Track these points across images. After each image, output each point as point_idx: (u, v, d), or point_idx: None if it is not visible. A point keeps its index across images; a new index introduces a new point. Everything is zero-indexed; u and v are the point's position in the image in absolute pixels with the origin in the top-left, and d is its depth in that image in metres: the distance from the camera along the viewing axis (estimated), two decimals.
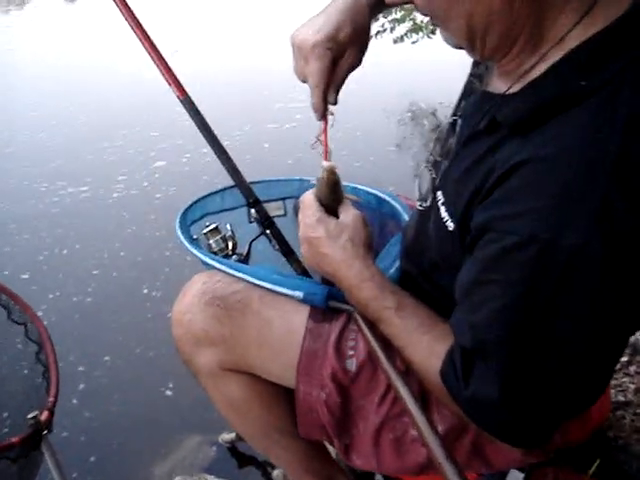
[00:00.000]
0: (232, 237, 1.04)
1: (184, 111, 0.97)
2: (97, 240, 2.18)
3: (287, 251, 0.97)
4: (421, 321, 0.67)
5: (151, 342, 1.68)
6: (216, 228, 1.02)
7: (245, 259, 1.02)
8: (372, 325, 0.71)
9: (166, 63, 0.94)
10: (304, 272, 0.95)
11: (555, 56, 0.56)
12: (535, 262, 0.52)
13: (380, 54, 4.14)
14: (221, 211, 1.09)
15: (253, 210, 0.99)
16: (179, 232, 0.97)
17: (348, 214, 0.73)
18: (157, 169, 2.75)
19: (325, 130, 0.76)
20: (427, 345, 0.65)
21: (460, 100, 0.74)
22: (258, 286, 0.80)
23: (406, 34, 3.89)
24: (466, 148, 0.65)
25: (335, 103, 0.76)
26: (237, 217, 1.09)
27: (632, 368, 1.19)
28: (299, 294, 0.77)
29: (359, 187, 1.11)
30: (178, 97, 0.93)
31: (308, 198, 0.75)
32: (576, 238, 0.50)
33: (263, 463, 1.32)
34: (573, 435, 0.76)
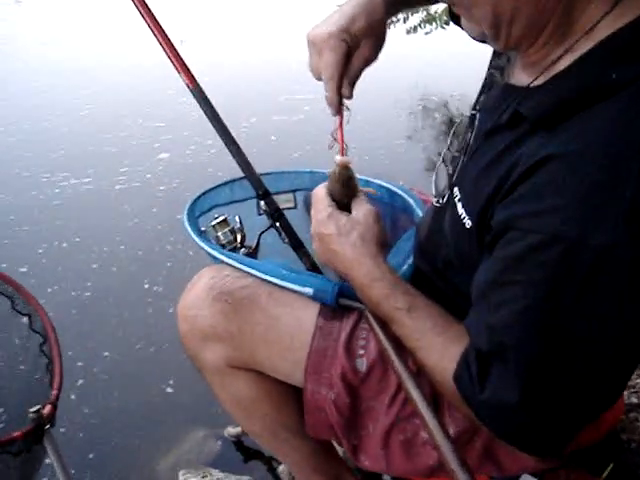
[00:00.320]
0: (241, 229, 1.05)
1: (191, 102, 0.96)
2: (98, 233, 2.20)
3: (296, 244, 0.98)
4: (434, 322, 0.66)
5: (152, 338, 1.70)
6: (225, 220, 1.03)
7: (254, 252, 1.03)
8: (384, 324, 0.71)
9: (176, 51, 0.94)
10: (313, 266, 0.96)
11: (583, 47, 0.56)
12: (560, 262, 0.52)
13: (392, 45, 4.12)
14: (230, 203, 1.10)
15: (263, 202, 0.99)
16: (187, 224, 0.97)
17: (360, 210, 0.74)
18: (161, 161, 2.77)
19: (341, 126, 0.75)
20: (440, 347, 0.65)
21: (480, 94, 0.74)
22: (267, 281, 0.81)
23: (420, 25, 3.88)
24: (486, 143, 0.64)
25: (350, 97, 0.76)
26: (246, 209, 1.09)
27: None
28: (309, 291, 0.78)
29: (371, 180, 1.11)
30: (188, 86, 0.94)
31: (320, 192, 0.75)
32: (603, 239, 0.50)
33: (269, 458, 1.33)
34: (586, 437, 0.76)
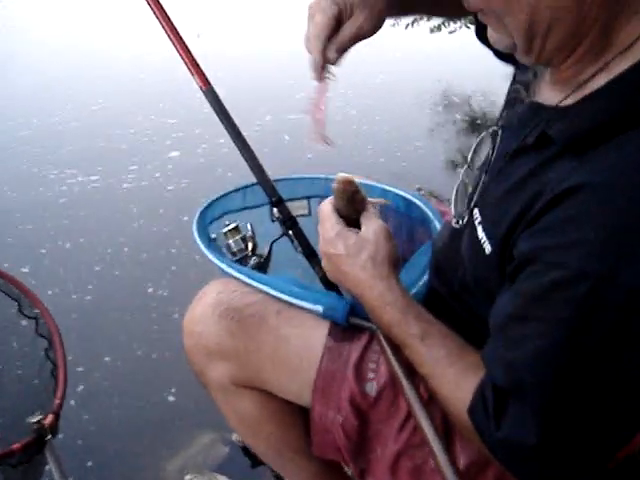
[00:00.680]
0: (252, 237, 1.05)
1: (205, 98, 0.96)
2: (102, 234, 2.21)
3: (309, 253, 0.97)
4: (448, 351, 0.66)
5: (154, 344, 1.70)
6: (236, 228, 1.04)
7: (265, 261, 1.03)
8: (396, 348, 0.71)
9: (189, 52, 0.94)
10: (326, 276, 0.95)
11: (619, 67, 0.55)
12: (587, 300, 0.50)
13: (414, 43, 4.15)
14: (242, 209, 1.10)
15: (276, 209, 0.99)
16: (196, 233, 0.98)
17: (370, 227, 0.73)
18: (171, 159, 2.79)
19: (321, 95, 0.73)
20: (454, 378, 0.64)
21: (503, 110, 0.73)
22: (276, 298, 0.81)
23: (443, 23, 3.87)
24: (510, 164, 0.63)
25: (334, 62, 0.75)
26: (259, 215, 1.10)
27: None
28: (319, 308, 0.78)
29: (388, 189, 1.10)
30: (201, 88, 0.94)
31: (326, 209, 0.75)
32: (635, 278, 0.49)
33: None
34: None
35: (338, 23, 0.74)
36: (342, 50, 0.75)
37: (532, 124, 0.61)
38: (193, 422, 1.45)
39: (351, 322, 0.77)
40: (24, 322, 1.12)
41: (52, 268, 2.03)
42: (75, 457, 1.37)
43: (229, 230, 1.03)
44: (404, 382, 0.69)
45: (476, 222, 0.66)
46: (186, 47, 0.95)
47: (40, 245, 2.14)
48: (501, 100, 0.77)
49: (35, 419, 0.89)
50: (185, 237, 2.14)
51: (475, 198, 0.70)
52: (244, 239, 1.03)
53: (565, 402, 0.54)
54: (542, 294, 0.53)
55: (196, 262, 2.03)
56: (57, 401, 0.95)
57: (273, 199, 0.98)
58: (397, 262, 0.73)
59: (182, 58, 0.95)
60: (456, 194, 0.75)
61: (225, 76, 3.87)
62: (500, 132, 0.69)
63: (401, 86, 3.68)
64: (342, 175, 0.73)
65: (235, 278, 0.85)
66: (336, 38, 0.74)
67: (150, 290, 1.93)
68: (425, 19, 3.84)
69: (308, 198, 1.13)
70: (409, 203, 1.09)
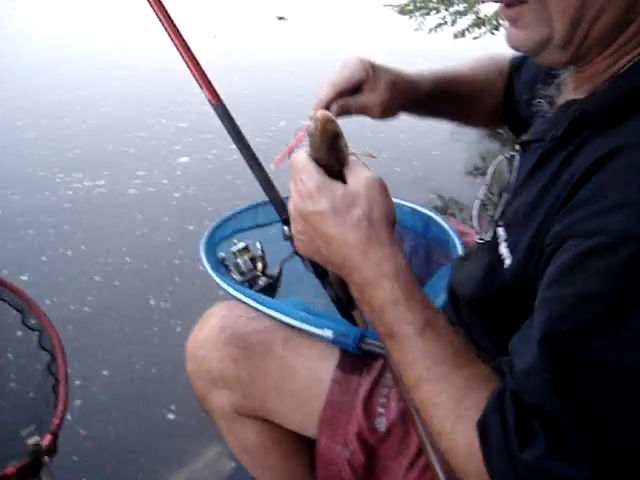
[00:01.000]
0: (262, 257, 1.05)
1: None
2: (104, 242, 2.22)
3: (321, 272, 0.95)
4: (455, 351, 0.55)
5: (154, 358, 1.70)
6: (246, 247, 1.04)
7: (276, 281, 1.02)
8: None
9: (198, 65, 0.93)
10: (338, 298, 0.94)
11: None
12: (628, 268, 0.44)
13: (437, 48, 4.15)
14: (253, 227, 1.10)
15: (287, 228, 0.97)
16: (203, 254, 0.98)
17: (360, 178, 0.59)
18: (179, 165, 2.81)
19: (298, 140, 0.75)
20: (463, 385, 0.53)
21: (521, 134, 0.72)
22: (284, 324, 0.80)
23: (468, 29, 3.88)
24: (535, 174, 0.60)
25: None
26: (270, 233, 1.09)
27: None
28: (328, 334, 0.76)
29: (404, 203, 1.07)
30: (210, 102, 0.94)
31: (301, 159, 0.60)
32: None
33: None
34: None
35: (357, 87, 0.80)
36: (344, 112, 0.80)
37: (563, 120, 0.58)
38: (197, 437, 1.45)
39: (362, 348, 0.76)
40: (27, 334, 1.12)
41: (52, 276, 2.04)
42: (71, 475, 1.36)
43: (238, 250, 1.03)
44: (415, 417, 0.64)
45: (500, 240, 0.61)
46: (196, 61, 0.93)
47: (41, 252, 2.16)
48: None
49: (32, 440, 0.88)
50: (189, 248, 2.17)
51: (497, 217, 0.67)
52: (253, 259, 1.03)
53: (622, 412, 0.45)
54: (570, 268, 0.47)
55: (200, 274, 2.02)
56: (56, 420, 0.93)
57: (284, 217, 0.98)
58: (395, 224, 0.60)
59: (192, 73, 0.94)
60: (477, 213, 0.72)
61: (239, 79, 3.92)
62: (519, 152, 0.67)
63: None
64: (323, 112, 0.59)
65: (242, 302, 0.84)
66: (346, 99, 0.79)
67: (151, 302, 1.93)
68: (450, 24, 3.86)
69: None
70: (427, 222, 1.07)
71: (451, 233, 1.01)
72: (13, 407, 1.12)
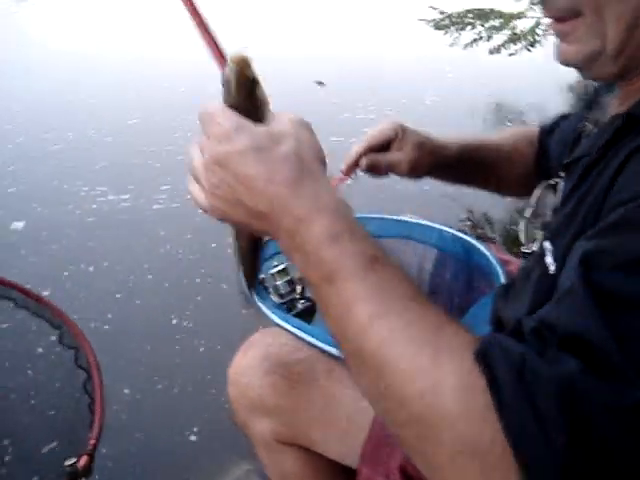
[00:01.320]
0: (301, 280, 1.05)
1: None
2: (126, 259, 2.24)
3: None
4: (415, 291, 0.46)
5: (176, 377, 1.69)
6: (284, 269, 1.04)
7: (314, 304, 1.02)
8: None
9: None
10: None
11: None
12: None
13: (472, 64, 4.12)
14: None
15: None
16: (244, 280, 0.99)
17: (282, 118, 0.53)
18: None
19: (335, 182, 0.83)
20: (435, 318, 0.44)
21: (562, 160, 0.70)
22: (328, 354, 0.79)
23: (504, 45, 3.85)
24: (579, 184, 0.58)
25: (362, 169, 0.90)
26: None
27: None
28: None
29: (445, 229, 1.07)
30: None
31: (214, 105, 0.54)
32: None
33: None
34: None
35: (388, 145, 0.90)
36: (373, 167, 0.90)
37: (607, 132, 0.56)
38: (221, 458, 1.44)
39: None
40: (64, 352, 1.15)
41: (73, 292, 2.06)
42: None
43: (277, 272, 1.03)
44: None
45: (546, 251, 0.59)
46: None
47: (63, 267, 2.18)
48: None
49: (69, 461, 0.90)
50: (212, 266, 2.18)
51: (544, 234, 0.66)
52: (292, 281, 1.03)
53: None
54: (615, 225, 0.43)
55: (222, 293, 2.05)
56: (92, 441, 0.94)
57: None
58: (326, 165, 0.53)
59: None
60: (525, 229, 0.74)
61: (268, 91, 3.90)
62: (563, 178, 0.66)
63: (453, 105, 3.65)
64: (239, 53, 0.53)
65: (286, 330, 0.84)
66: (375, 155, 0.89)
67: (174, 321, 1.93)
68: (485, 39, 3.82)
69: None
70: (469, 249, 1.05)
71: (493, 261, 1.00)
72: (48, 426, 1.13)
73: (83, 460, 0.91)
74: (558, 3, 0.56)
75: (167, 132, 3.26)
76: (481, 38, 3.88)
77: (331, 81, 4.02)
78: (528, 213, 0.73)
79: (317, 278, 0.47)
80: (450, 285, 1.02)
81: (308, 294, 1.05)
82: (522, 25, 3.97)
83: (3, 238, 2.35)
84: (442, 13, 3.93)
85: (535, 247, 0.68)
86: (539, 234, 0.71)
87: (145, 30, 5.32)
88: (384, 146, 0.89)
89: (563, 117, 0.90)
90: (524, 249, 0.74)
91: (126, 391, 1.66)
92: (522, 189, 0.94)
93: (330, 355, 0.79)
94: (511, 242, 2.17)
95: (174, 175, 2.84)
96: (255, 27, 5.22)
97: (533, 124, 0.98)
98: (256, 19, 5.56)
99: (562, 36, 0.58)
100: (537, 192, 0.72)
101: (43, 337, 1.19)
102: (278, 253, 1.08)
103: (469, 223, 2.41)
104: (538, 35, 3.89)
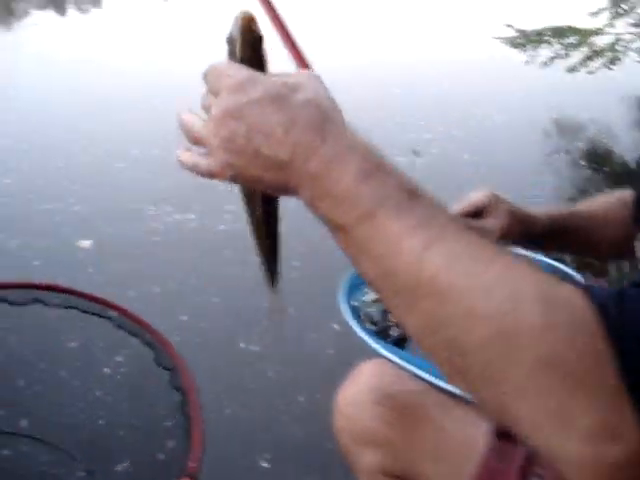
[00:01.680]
0: None
1: None
2: (191, 279, 2.24)
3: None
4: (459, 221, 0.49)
5: (245, 403, 1.68)
6: (378, 298, 1.04)
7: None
8: None
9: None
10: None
11: None
12: None
13: (550, 82, 3.99)
14: None
15: None
16: (343, 305, 1.03)
17: (295, 73, 0.54)
18: None
19: None
20: (498, 248, 0.44)
21: None
22: (436, 387, 0.82)
23: (582, 62, 3.73)
24: None
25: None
26: None
27: None
28: None
29: (539, 257, 1.09)
30: None
31: (221, 63, 0.53)
32: None
33: None
34: None
35: (481, 211, 0.95)
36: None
37: None
38: None
39: None
40: (160, 372, 1.16)
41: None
42: None
43: (372, 299, 1.07)
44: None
45: None
46: None
47: (129, 287, 2.18)
48: None
49: None
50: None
51: None
52: (386, 310, 1.04)
53: None
54: None
55: (290, 316, 2.01)
56: (193, 464, 0.94)
57: None
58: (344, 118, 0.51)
59: None
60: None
61: (361, 97, 3.89)
62: None
63: (524, 126, 3.55)
64: (245, 11, 0.53)
65: (391, 361, 0.89)
66: (468, 219, 0.93)
67: (241, 345, 1.92)
68: (562, 57, 3.71)
69: None
70: (563, 278, 1.00)
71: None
72: (145, 449, 1.14)
73: None
74: None
75: None
76: (558, 56, 3.78)
77: (396, 100, 3.98)
78: None
79: (353, 219, 0.45)
80: None
81: None
82: (601, 41, 3.84)
83: (70, 255, 2.39)
84: (519, 31, 3.85)
85: None
86: None
87: (203, 44, 5.44)
88: (477, 212, 0.95)
89: None
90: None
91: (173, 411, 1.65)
92: (619, 251, 1.00)
93: (439, 388, 0.82)
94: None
95: (239, 195, 2.83)
96: (326, 37, 5.25)
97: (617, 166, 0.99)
98: (327, 29, 5.60)
99: None
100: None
101: (137, 358, 1.21)
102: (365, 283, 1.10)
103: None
104: (618, 52, 3.75)
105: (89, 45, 5.50)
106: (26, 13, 7.28)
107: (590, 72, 3.77)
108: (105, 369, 1.28)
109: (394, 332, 1.05)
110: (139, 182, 3.02)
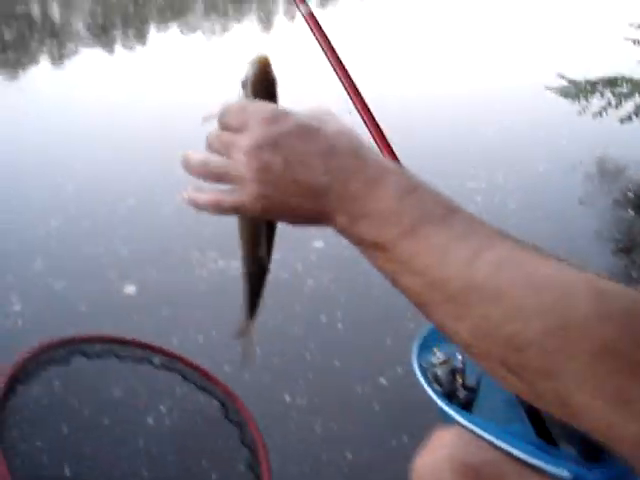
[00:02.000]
0: (462, 370, 1.09)
1: None
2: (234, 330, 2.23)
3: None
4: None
5: (293, 458, 1.67)
6: (446, 360, 1.11)
7: (474, 394, 1.07)
8: None
9: (376, 124, 0.97)
10: (541, 426, 0.87)
11: None
12: None
13: (603, 133, 3.94)
14: None
15: None
16: (418, 370, 1.09)
17: (311, 110, 0.56)
18: (315, 250, 2.80)
19: None
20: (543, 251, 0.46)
21: None
22: (514, 456, 0.80)
23: (636, 113, 3.68)
24: None
25: None
26: None
27: None
28: (567, 475, 0.72)
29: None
30: None
31: (240, 102, 0.56)
32: None
33: None
34: None
35: None
36: None
37: None
38: None
39: None
40: (229, 428, 1.19)
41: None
42: None
43: (440, 362, 1.11)
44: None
45: None
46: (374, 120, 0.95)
47: (173, 334, 2.18)
48: None
49: None
50: (319, 339, 2.18)
51: None
52: (453, 372, 1.08)
53: None
54: None
55: (333, 370, 2.03)
56: None
57: None
58: None
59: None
60: None
61: (402, 140, 3.91)
62: None
63: (568, 175, 3.51)
64: (261, 54, 0.56)
65: (467, 429, 0.89)
66: None
67: (287, 398, 1.90)
68: (614, 106, 3.68)
69: None
70: None
71: None
72: None
73: None
74: None
75: None
76: (610, 105, 3.74)
77: (439, 145, 3.99)
78: None
79: (395, 235, 0.48)
80: None
81: (470, 383, 1.07)
82: None
83: (115, 301, 2.42)
84: (571, 82, 3.85)
85: None
86: None
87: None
88: None
89: None
90: None
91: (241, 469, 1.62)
92: None
93: (515, 457, 0.80)
94: None
95: (285, 244, 2.79)
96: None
97: None
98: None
99: None
100: None
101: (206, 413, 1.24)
102: (439, 340, 1.11)
103: None
104: None
105: (137, 85, 5.67)
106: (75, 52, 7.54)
107: None
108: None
109: (461, 394, 1.06)
110: (184, 228, 3.05)
